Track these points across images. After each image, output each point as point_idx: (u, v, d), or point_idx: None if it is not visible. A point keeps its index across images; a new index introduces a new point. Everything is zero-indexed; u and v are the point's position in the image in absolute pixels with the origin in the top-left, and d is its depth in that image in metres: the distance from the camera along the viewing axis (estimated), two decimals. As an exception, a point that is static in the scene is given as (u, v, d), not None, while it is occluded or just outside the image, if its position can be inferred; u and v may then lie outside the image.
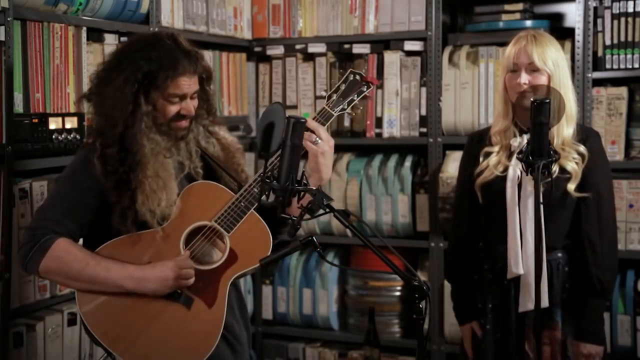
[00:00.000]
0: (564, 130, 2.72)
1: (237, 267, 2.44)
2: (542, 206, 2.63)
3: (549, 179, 2.59)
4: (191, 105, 2.46)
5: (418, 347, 2.04)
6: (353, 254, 4.04)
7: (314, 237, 2.12)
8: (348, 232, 3.58)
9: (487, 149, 2.81)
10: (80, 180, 2.39)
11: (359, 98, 2.59)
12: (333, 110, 2.55)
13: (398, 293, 3.90)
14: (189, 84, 2.42)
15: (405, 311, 3.90)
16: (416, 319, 1.99)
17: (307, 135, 2.38)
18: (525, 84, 2.69)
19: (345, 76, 2.61)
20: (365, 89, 2.60)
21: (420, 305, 1.99)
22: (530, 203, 2.68)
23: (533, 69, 2.71)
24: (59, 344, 2.84)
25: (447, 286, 3.68)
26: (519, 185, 2.72)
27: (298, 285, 4.06)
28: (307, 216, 2.14)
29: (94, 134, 2.44)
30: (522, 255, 2.71)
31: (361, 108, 2.66)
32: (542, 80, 2.70)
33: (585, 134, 2.79)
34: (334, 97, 2.57)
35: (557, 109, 2.49)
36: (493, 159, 2.77)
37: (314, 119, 2.53)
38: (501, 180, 2.74)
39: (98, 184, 2.37)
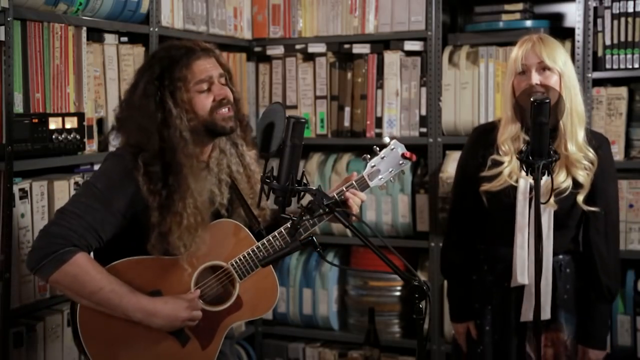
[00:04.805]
0: (578, 134, 2.69)
1: (239, 315, 2.43)
2: (552, 215, 2.65)
3: (565, 194, 2.63)
4: (224, 89, 2.36)
5: (418, 347, 2.04)
6: (353, 254, 4.04)
7: (314, 237, 2.11)
8: (348, 232, 3.58)
9: (496, 157, 2.76)
10: (114, 197, 2.29)
11: (395, 173, 2.51)
12: (371, 182, 2.49)
13: (398, 293, 3.90)
14: (209, 65, 2.34)
15: (405, 311, 3.90)
16: (416, 319, 1.99)
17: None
18: (537, 84, 2.64)
19: (388, 146, 2.52)
20: (403, 166, 2.51)
21: (420, 305, 1.99)
22: (544, 220, 2.65)
23: (543, 67, 2.67)
24: (59, 344, 2.84)
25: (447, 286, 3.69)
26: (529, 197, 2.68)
27: (298, 285, 4.06)
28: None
29: (132, 149, 2.33)
30: (528, 265, 2.68)
31: (392, 181, 2.55)
32: (554, 79, 2.66)
33: (597, 141, 2.76)
34: (374, 165, 2.49)
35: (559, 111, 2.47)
36: (506, 169, 2.72)
37: (350, 186, 2.45)
38: (512, 189, 2.71)
39: (132, 203, 2.30)
